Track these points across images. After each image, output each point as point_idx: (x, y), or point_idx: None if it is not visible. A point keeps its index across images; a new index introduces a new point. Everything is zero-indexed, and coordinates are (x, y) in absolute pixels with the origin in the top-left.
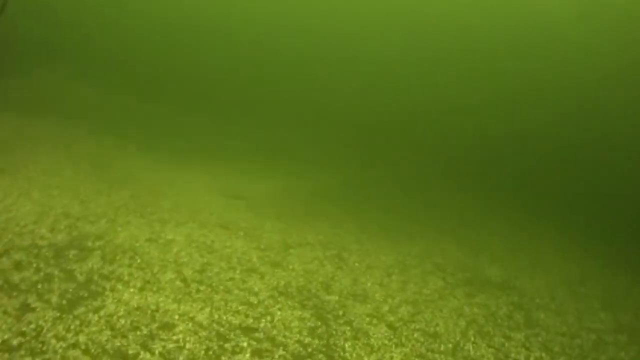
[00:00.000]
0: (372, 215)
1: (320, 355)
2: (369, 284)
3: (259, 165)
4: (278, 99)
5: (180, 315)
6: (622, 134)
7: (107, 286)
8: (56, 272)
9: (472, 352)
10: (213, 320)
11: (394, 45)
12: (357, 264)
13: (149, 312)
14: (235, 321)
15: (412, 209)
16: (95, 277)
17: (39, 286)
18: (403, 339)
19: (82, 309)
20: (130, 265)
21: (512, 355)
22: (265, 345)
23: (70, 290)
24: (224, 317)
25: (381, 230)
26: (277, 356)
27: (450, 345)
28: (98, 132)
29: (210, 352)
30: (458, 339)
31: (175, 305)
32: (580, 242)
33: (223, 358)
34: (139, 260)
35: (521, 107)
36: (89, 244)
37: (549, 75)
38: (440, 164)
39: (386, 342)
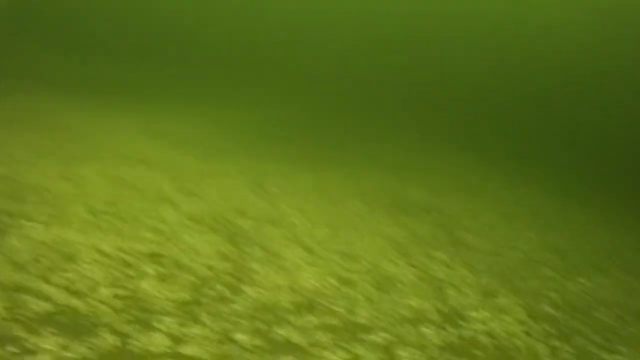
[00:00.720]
0: (296, 146)
1: (228, 277)
2: (286, 209)
3: (185, 105)
4: (209, 42)
5: (85, 245)
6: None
7: (12, 223)
8: None
9: (391, 271)
10: (119, 249)
11: None
12: (275, 190)
13: (53, 245)
14: (143, 249)
15: (338, 139)
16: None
17: None
18: (318, 260)
19: None
20: (37, 202)
21: (433, 273)
22: (172, 270)
23: None
24: (131, 246)
25: (304, 158)
26: (182, 280)
27: (368, 265)
28: (30, 86)
29: (113, 279)
30: (377, 258)
31: (81, 237)
32: (516, 169)
33: (126, 284)
34: (47, 197)
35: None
36: None
37: None
38: (369, 95)
39: (300, 263)
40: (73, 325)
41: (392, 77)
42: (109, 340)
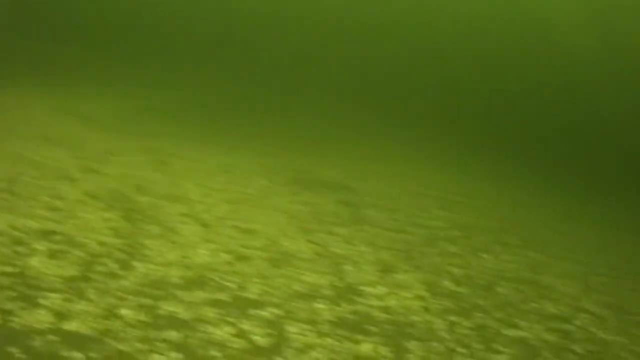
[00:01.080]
0: (207, 124)
1: (119, 253)
2: (187, 186)
3: (101, 86)
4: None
5: None
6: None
7: None
8: None
9: (288, 247)
10: (11, 227)
11: None
12: (178, 168)
13: None
14: (36, 226)
15: (249, 117)
16: None
17: None
18: (214, 236)
19: None
20: None
21: (332, 249)
22: (63, 246)
23: None
24: (24, 223)
25: (212, 135)
26: (72, 257)
27: (265, 241)
28: None
29: (1, 257)
30: (275, 234)
31: None
32: (428, 150)
33: (14, 261)
34: None
35: None
36: None
37: None
38: (285, 72)
39: (195, 239)
40: None
41: (308, 52)
42: None
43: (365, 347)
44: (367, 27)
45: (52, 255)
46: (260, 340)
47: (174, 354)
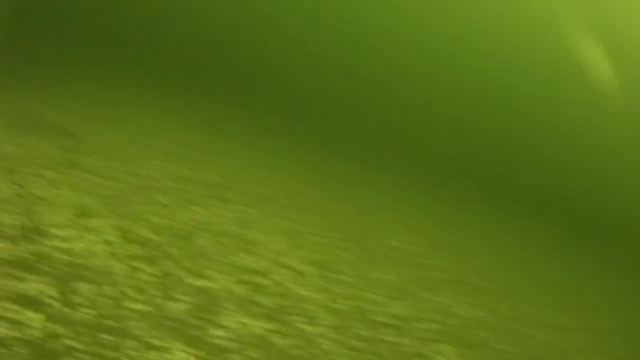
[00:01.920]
0: None
1: None
2: None
3: None
4: None
5: None
6: None
7: None
8: None
9: None
10: None
11: None
12: None
13: None
14: None
15: None
16: None
17: None
18: None
19: None
20: None
21: (34, 191)
22: None
23: None
24: None
25: None
26: None
27: None
28: None
29: None
30: None
31: None
32: (160, 100)
33: None
34: None
35: None
36: None
37: None
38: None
39: None
40: None
41: None
42: None
43: (32, 286)
44: None
45: None
46: None
47: None
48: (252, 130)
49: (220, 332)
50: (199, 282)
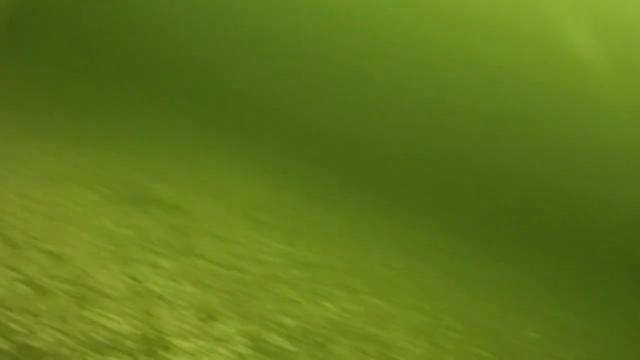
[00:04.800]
0: (44, 118)
1: None
2: (5, 195)
3: None
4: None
5: None
6: None
7: None
8: None
9: (101, 280)
10: None
11: None
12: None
13: None
14: None
15: (90, 113)
16: None
17: None
18: (18, 261)
19: None
20: None
21: (151, 286)
22: None
23: None
24: None
25: (46, 133)
26: None
27: (75, 270)
28: None
29: None
30: (88, 263)
31: None
32: (274, 165)
33: None
34: None
35: None
36: None
37: None
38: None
39: None
40: None
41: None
42: None
43: None
44: None
45: None
46: None
47: None
48: (366, 202)
49: None
50: None
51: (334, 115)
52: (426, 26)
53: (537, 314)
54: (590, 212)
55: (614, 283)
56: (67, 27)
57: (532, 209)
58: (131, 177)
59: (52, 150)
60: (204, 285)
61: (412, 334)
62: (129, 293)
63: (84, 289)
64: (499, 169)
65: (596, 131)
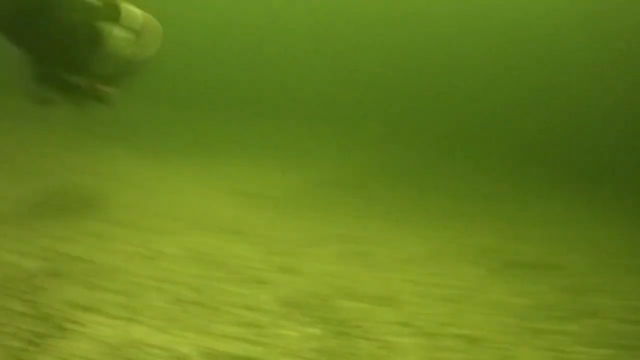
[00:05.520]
0: (395, 198)
1: None
2: (395, 282)
3: (249, 157)
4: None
5: (161, 348)
6: None
7: (85, 317)
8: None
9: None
10: (199, 349)
11: None
12: (380, 259)
13: (120, 348)
14: (230, 349)
15: (450, 189)
16: (66, 308)
17: None
18: (438, 353)
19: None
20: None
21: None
22: None
23: None
24: (214, 345)
25: (407, 212)
26: None
27: (500, 353)
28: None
29: None
30: (504, 341)
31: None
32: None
33: None
34: (123, 282)
35: None
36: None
37: None
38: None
39: (417, 357)
40: None
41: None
42: None
43: None
44: None
45: None
46: None
47: None
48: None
49: None
50: None
51: None
52: None
53: None
54: None
55: None
56: None
57: None
58: (501, 243)
59: (427, 227)
60: (618, 347)
61: None
62: None
63: None
64: None
65: None
